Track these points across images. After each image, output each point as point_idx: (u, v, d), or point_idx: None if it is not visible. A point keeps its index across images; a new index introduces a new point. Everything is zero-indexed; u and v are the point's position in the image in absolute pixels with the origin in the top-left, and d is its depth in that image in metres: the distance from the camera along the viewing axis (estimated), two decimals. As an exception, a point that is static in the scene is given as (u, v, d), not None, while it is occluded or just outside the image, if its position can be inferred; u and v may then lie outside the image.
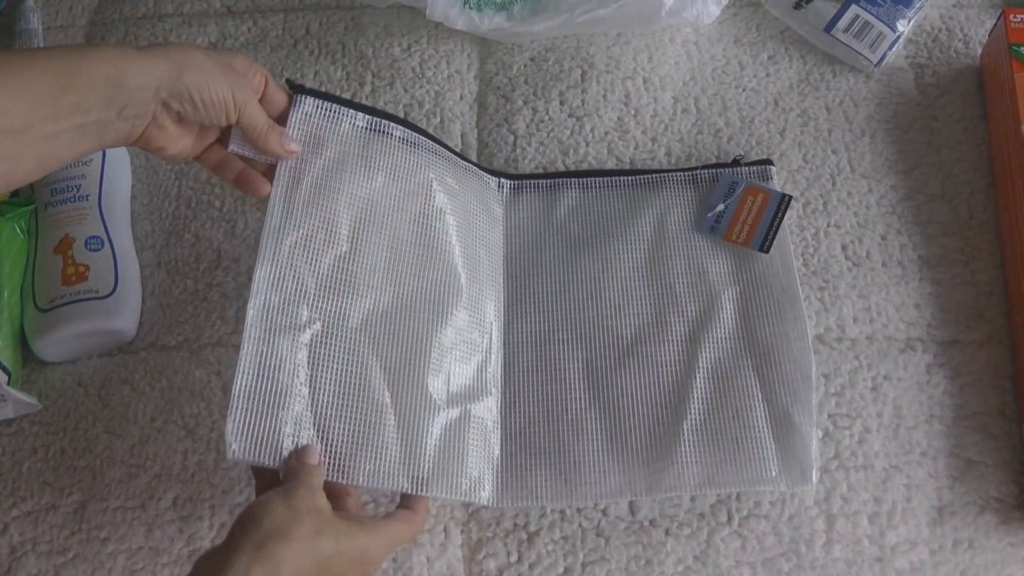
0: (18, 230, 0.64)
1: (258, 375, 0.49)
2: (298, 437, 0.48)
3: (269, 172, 0.53)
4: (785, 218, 0.62)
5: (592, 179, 0.65)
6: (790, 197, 0.62)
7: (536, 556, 0.54)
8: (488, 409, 0.56)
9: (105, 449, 0.59)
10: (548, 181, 0.66)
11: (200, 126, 0.51)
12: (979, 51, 0.73)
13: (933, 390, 0.59)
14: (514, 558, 0.54)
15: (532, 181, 0.66)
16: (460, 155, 0.62)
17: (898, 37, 0.71)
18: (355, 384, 0.51)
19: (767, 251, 0.61)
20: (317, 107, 0.55)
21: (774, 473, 0.54)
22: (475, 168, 0.63)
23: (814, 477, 0.53)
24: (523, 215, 0.64)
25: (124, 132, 0.46)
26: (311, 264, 0.52)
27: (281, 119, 0.53)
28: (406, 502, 0.51)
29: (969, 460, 0.56)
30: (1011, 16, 0.67)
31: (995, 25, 0.69)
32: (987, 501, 0.55)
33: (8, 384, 0.58)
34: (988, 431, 0.57)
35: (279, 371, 0.49)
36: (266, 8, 0.79)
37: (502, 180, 0.65)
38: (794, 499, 0.55)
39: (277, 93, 0.54)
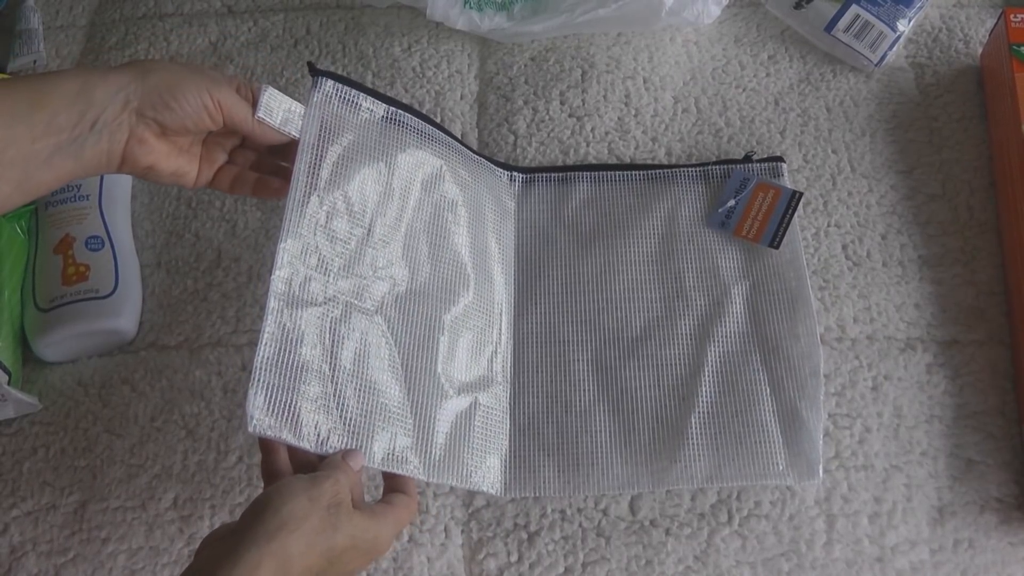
0: (18, 230, 0.64)
1: (280, 348, 0.48)
2: (318, 414, 0.48)
3: (284, 175, 0.53)
4: (796, 215, 0.62)
5: (604, 173, 0.66)
6: (801, 194, 0.62)
7: (536, 556, 0.54)
8: (497, 399, 0.56)
9: (105, 449, 0.59)
10: (560, 175, 0.66)
11: (204, 148, 0.51)
12: (979, 51, 0.73)
13: (933, 390, 0.59)
14: (514, 558, 0.54)
15: (544, 175, 0.66)
16: (472, 149, 0.63)
17: (898, 37, 0.71)
18: (372, 366, 0.51)
19: (777, 247, 0.61)
20: (336, 90, 0.54)
21: (781, 467, 0.54)
22: (487, 162, 0.64)
23: (820, 471, 0.54)
24: (535, 208, 0.65)
25: (103, 150, 0.45)
26: (332, 242, 0.52)
27: None
28: (396, 485, 0.50)
29: (969, 460, 0.56)
30: (1011, 16, 0.67)
31: (995, 25, 0.69)
32: (987, 501, 0.55)
33: (8, 384, 0.58)
34: (988, 431, 0.57)
35: (300, 344, 0.48)
36: (266, 8, 0.79)
37: (514, 173, 0.66)
38: (794, 499, 0.55)
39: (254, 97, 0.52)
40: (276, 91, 0.52)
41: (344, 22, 0.77)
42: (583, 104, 0.71)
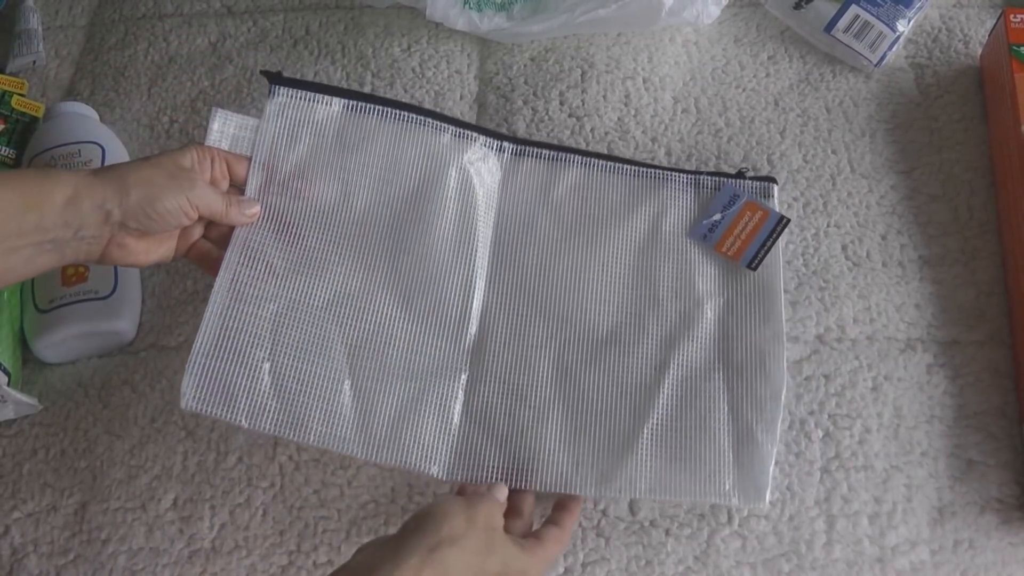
0: (18, 231, 0.64)
1: (219, 336, 0.53)
2: (254, 392, 0.52)
3: None
4: (780, 240, 0.60)
5: (596, 160, 0.63)
6: (787, 220, 0.61)
7: (536, 556, 0.54)
8: (453, 384, 0.56)
9: (105, 450, 0.59)
10: (551, 152, 0.63)
11: (181, 230, 0.54)
12: (979, 51, 0.73)
13: (933, 390, 0.59)
14: (514, 558, 0.54)
15: (535, 149, 0.63)
16: (452, 119, 0.62)
17: (898, 37, 0.71)
18: (315, 353, 0.54)
19: (755, 268, 0.59)
20: (291, 96, 0.58)
21: (727, 487, 0.53)
22: (471, 132, 0.62)
23: (767, 497, 0.53)
24: (521, 184, 0.62)
25: (83, 251, 0.49)
26: (280, 250, 0.56)
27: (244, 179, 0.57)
28: (554, 518, 0.52)
29: (970, 460, 0.56)
30: (1011, 16, 0.67)
31: (995, 25, 0.69)
32: (988, 501, 0.55)
33: (8, 385, 0.58)
34: (989, 431, 0.57)
35: (240, 333, 0.53)
36: (266, 8, 0.79)
37: (504, 143, 0.63)
38: (794, 499, 0.55)
39: (237, 162, 0.56)
40: (227, 112, 0.56)
41: (344, 22, 0.77)
42: (583, 104, 0.71)
